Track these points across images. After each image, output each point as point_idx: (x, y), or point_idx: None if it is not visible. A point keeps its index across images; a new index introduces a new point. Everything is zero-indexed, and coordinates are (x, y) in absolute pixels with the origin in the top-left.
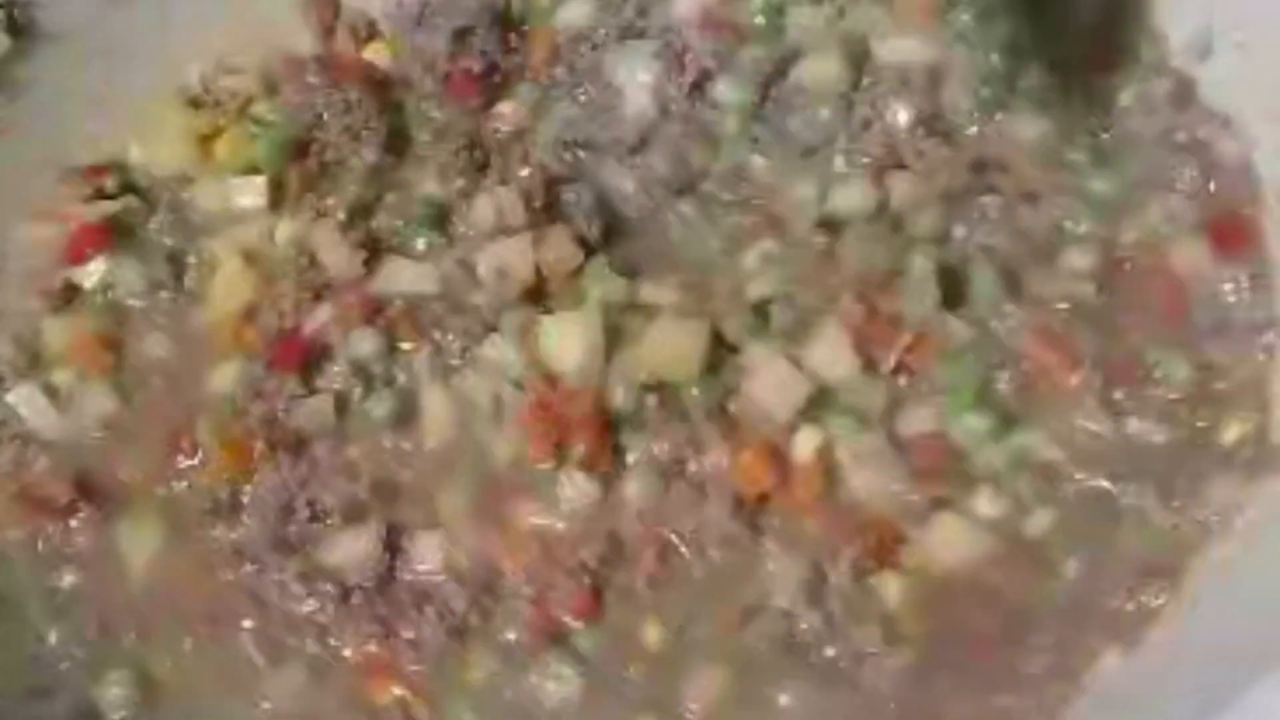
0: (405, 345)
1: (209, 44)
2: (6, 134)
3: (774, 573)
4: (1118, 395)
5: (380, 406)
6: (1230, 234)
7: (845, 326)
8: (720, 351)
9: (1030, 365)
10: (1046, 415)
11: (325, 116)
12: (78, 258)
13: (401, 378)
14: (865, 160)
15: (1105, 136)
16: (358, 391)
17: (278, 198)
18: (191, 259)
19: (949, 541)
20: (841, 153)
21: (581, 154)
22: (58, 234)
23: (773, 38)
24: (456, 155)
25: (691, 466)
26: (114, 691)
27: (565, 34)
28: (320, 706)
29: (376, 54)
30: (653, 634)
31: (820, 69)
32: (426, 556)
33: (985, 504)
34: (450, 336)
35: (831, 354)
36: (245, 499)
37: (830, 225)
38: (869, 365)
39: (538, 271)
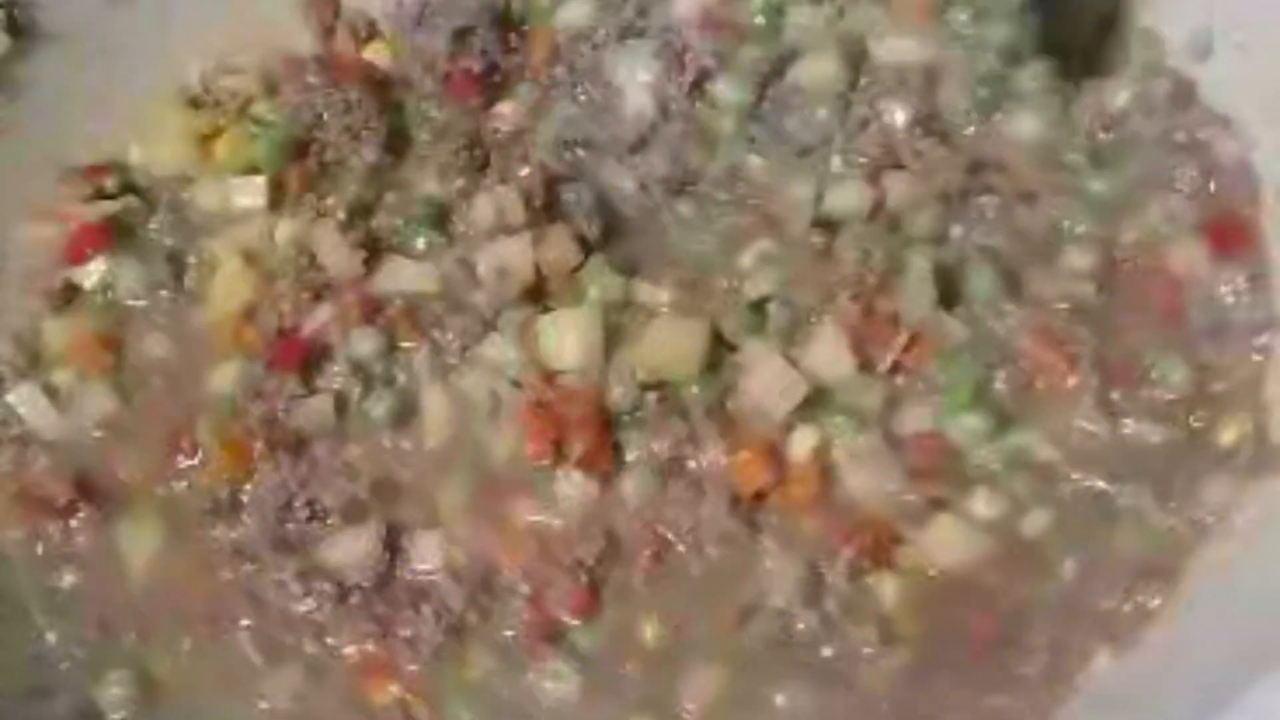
0: (405, 345)
1: (209, 44)
2: (6, 134)
3: (771, 572)
4: (1115, 396)
5: (380, 406)
6: (1229, 235)
7: (842, 326)
8: (719, 350)
9: (1027, 365)
10: (1043, 415)
11: (325, 116)
12: (78, 258)
13: (401, 377)
14: (862, 160)
15: (1104, 137)
16: (357, 391)
17: (278, 198)
18: (191, 259)
19: (945, 542)
20: (838, 153)
21: (581, 153)
22: (58, 234)
23: (771, 37)
24: (456, 155)
25: (689, 465)
26: (114, 691)
27: (565, 34)
28: (319, 706)
29: (376, 54)
30: (650, 632)
31: (817, 69)
32: (426, 556)
33: (982, 504)
34: (450, 336)
35: (829, 353)
36: (245, 499)
37: (827, 225)
38: (866, 365)
39: (537, 271)
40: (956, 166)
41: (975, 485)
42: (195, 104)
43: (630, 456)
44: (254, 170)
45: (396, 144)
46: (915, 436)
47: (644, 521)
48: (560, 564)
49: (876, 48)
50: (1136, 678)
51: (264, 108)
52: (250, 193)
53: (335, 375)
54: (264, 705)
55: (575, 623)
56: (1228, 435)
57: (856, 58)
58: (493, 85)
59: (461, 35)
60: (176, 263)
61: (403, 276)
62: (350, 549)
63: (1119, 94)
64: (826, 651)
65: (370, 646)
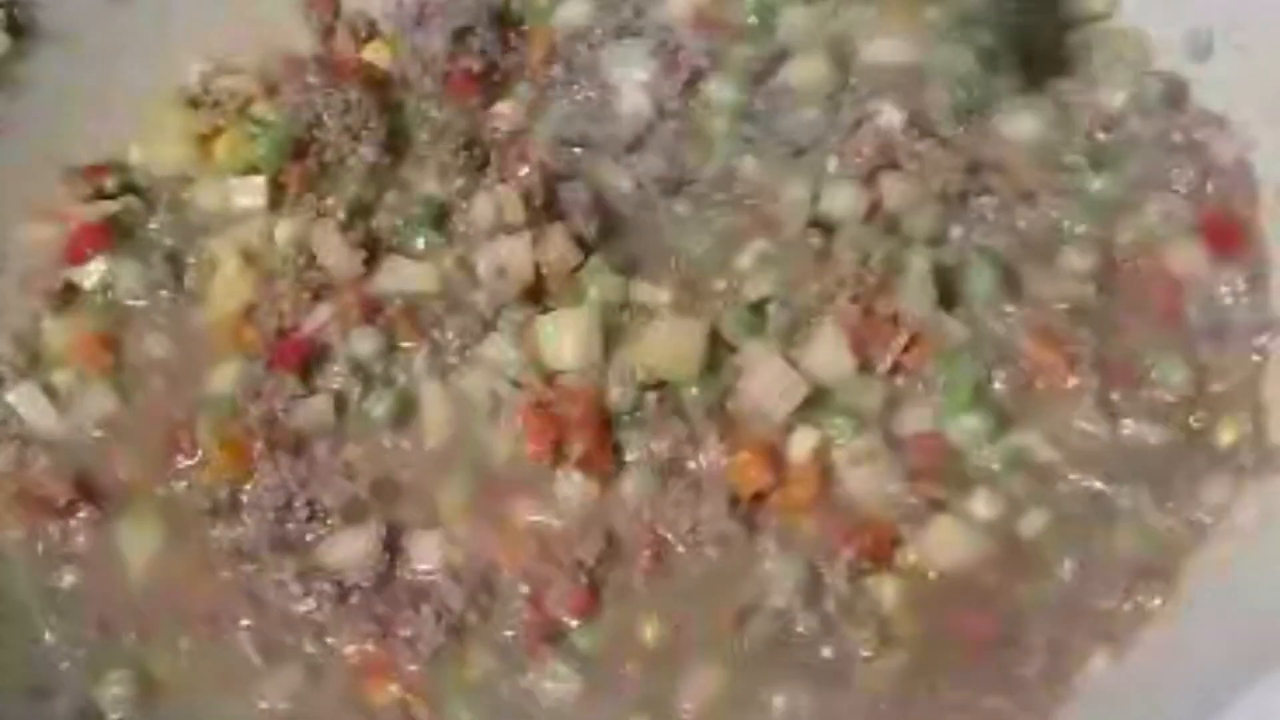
0: (405, 345)
1: (209, 44)
2: (6, 134)
3: (771, 572)
4: (1115, 396)
5: (379, 406)
6: (1227, 235)
7: (843, 326)
8: (719, 351)
9: (1027, 365)
10: (1043, 416)
11: (324, 116)
12: (78, 258)
13: (401, 377)
14: (857, 160)
15: (1103, 138)
16: (357, 391)
17: (277, 198)
18: (191, 259)
19: (945, 543)
20: (835, 154)
21: (578, 152)
22: (58, 234)
23: (764, 37)
24: (456, 154)
25: (689, 465)
26: (114, 691)
27: (563, 33)
28: (318, 706)
29: (376, 54)
30: (650, 632)
31: (806, 69)
32: (426, 556)
33: (981, 505)
34: (449, 335)
35: (829, 354)
36: (244, 499)
37: (825, 226)
38: (866, 365)
39: (537, 270)
40: (955, 167)
41: (975, 486)
42: (195, 104)
43: (630, 457)
44: (254, 170)
45: (396, 144)
46: (915, 437)
47: (644, 522)
48: (560, 564)
49: (865, 48)
50: (1135, 678)
51: (264, 108)
52: (250, 193)
53: (335, 375)
54: (264, 705)
55: (575, 623)
56: (1227, 435)
57: (845, 58)
58: (492, 84)
59: (461, 35)
60: (176, 263)
61: (402, 276)
62: (350, 549)
63: (1115, 95)
64: (826, 652)
65: (370, 646)
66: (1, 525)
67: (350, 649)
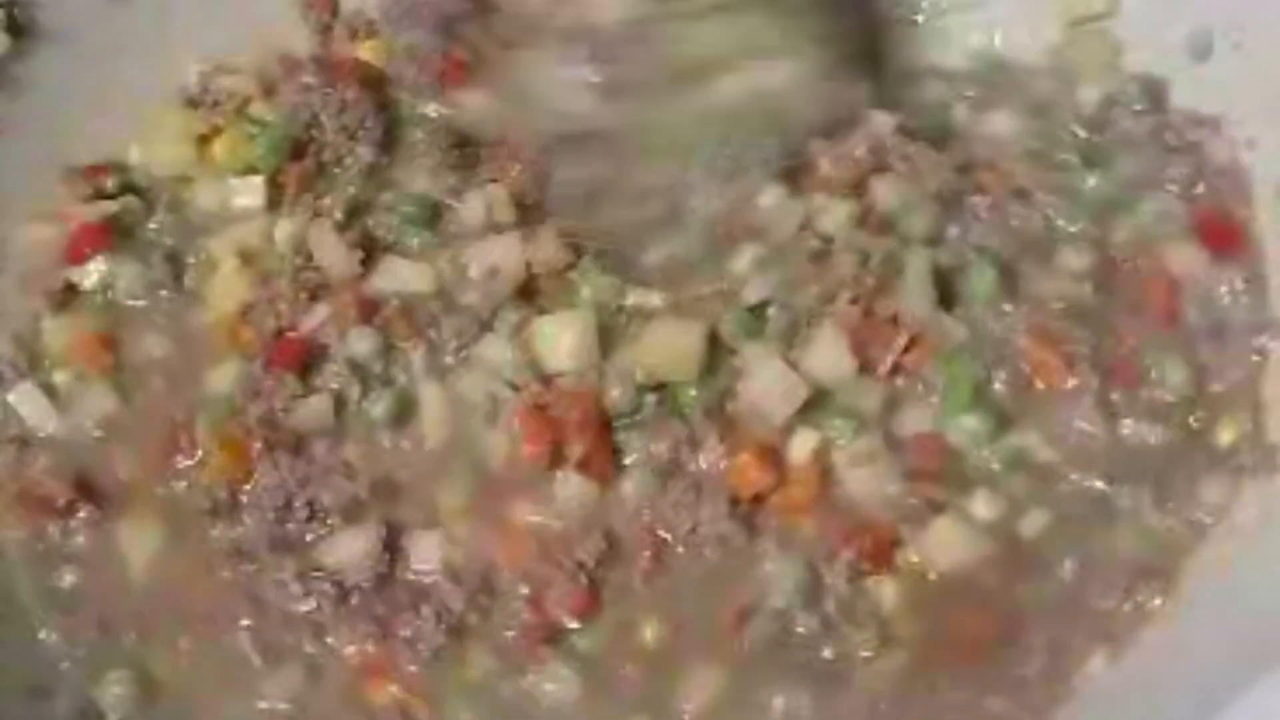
0: (402, 345)
1: (207, 44)
2: (6, 134)
3: (770, 573)
4: (1114, 396)
5: (378, 406)
6: (1224, 235)
7: (842, 328)
8: (718, 353)
9: (1026, 365)
10: (1042, 416)
11: (321, 116)
12: (77, 258)
13: (400, 377)
14: (850, 163)
15: (1097, 138)
16: (356, 391)
17: (275, 198)
18: (190, 259)
19: (945, 543)
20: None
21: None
22: (58, 234)
23: None
24: (447, 153)
25: (689, 467)
26: (114, 691)
27: None
28: (318, 706)
29: (372, 53)
30: (650, 633)
31: None
32: (426, 556)
33: (981, 506)
34: (446, 335)
35: (829, 356)
36: (244, 499)
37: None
38: (866, 367)
39: (528, 270)
40: (945, 168)
41: (975, 486)
42: (194, 104)
43: (630, 458)
44: (252, 170)
45: (392, 142)
46: (915, 438)
47: (644, 523)
48: (560, 565)
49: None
50: (1135, 678)
51: (262, 108)
52: (249, 193)
53: (333, 375)
54: (264, 705)
55: (575, 624)
56: (1226, 435)
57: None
58: None
59: (449, 26)
60: (175, 263)
61: (398, 276)
62: (350, 549)
63: (1089, 92)
64: (826, 653)
65: (370, 647)
66: (1, 525)
67: (350, 649)
